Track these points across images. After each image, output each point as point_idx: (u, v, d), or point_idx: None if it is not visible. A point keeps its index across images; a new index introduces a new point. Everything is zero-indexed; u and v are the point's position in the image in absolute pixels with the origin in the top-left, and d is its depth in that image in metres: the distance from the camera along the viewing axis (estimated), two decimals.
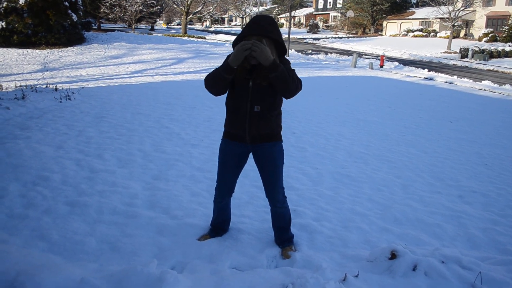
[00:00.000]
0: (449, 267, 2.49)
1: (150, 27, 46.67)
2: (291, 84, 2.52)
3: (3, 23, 17.16)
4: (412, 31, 43.17)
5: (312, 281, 2.19)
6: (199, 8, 41.06)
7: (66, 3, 18.28)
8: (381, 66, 21.68)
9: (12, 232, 3.05)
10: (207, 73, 2.67)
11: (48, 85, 9.62)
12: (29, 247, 2.84)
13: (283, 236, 3.07)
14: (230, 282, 2.29)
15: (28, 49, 17.37)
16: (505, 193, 4.85)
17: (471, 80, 18.43)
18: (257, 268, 2.65)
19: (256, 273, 2.46)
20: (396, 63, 23.56)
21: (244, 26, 2.69)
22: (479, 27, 39.47)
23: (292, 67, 2.64)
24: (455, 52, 30.39)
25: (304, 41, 40.72)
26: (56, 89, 9.02)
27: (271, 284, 2.32)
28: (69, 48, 18.43)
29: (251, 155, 2.87)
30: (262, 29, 2.52)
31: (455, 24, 33.23)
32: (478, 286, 2.35)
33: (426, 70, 21.21)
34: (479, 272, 2.41)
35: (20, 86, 9.21)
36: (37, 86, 9.24)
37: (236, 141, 2.77)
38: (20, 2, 17.00)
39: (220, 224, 3.17)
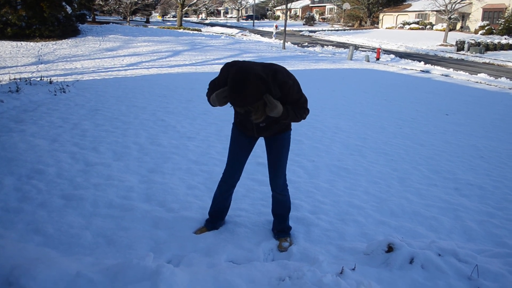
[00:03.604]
0: (445, 259, 2.49)
1: (145, 20, 46.37)
2: (297, 119, 2.62)
3: None
4: (409, 23, 43.11)
5: (309, 274, 2.18)
6: (195, 1, 40.75)
7: None
8: (378, 59, 21.63)
9: (7, 226, 3.02)
10: (209, 80, 2.73)
11: (42, 78, 9.54)
12: (24, 241, 2.82)
13: (280, 225, 3.09)
14: (227, 276, 2.28)
15: (22, 42, 17.20)
16: (502, 185, 4.86)
17: (467, 73, 18.45)
18: (253, 261, 2.64)
19: (253, 266, 2.45)
20: (393, 56, 23.51)
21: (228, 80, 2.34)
22: (475, 20, 39.47)
23: (292, 79, 2.54)
24: (451, 45, 30.40)
25: (300, 33, 40.58)
26: (50, 82, 8.95)
27: (268, 277, 2.31)
28: (63, 40, 18.25)
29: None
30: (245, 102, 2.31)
31: (451, 16, 33.20)
32: (475, 278, 2.35)
33: (422, 62, 21.18)
34: (476, 264, 2.42)
35: (14, 79, 9.11)
36: (32, 79, 9.15)
37: (245, 133, 2.88)
38: None
39: (217, 212, 3.15)
